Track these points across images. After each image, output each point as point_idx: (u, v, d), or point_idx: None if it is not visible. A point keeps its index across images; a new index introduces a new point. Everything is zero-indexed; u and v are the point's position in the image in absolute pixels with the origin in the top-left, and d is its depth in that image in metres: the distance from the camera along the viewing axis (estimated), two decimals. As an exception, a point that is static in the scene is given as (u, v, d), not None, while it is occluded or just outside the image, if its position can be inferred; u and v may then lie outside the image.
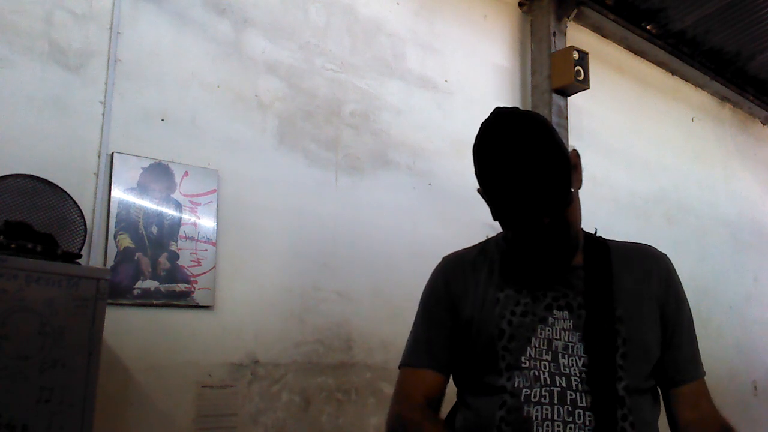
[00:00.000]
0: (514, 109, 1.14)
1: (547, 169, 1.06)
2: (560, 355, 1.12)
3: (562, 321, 1.15)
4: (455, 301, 1.24)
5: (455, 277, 1.26)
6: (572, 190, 1.11)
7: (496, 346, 1.15)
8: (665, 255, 1.27)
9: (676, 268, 1.26)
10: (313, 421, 2.90)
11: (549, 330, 1.14)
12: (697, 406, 1.21)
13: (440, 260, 1.33)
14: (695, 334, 1.25)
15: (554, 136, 1.10)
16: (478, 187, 1.17)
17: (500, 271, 1.23)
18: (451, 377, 1.29)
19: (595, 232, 1.28)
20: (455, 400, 1.29)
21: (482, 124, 1.14)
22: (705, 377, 1.25)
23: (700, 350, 1.27)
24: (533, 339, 1.14)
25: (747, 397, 5.46)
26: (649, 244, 1.31)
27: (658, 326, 1.19)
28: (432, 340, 1.25)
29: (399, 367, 1.29)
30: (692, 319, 1.25)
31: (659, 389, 1.23)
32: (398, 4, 3.63)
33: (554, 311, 1.16)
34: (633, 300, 1.18)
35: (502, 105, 1.20)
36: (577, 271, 1.20)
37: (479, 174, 1.13)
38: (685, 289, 1.26)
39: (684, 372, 1.22)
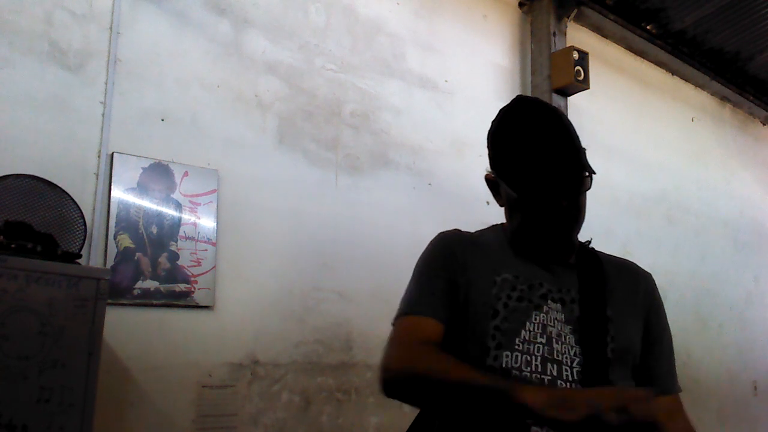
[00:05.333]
0: (536, 98, 1.17)
1: (569, 153, 1.12)
2: (554, 340, 1.14)
3: (555, 312, 1.17)
4: (456, 270, 1.20)
5: (455, 250, 1.23)
6: (587, 176, 1.15)
7: (488, 325, 1.14)
8: (650, 274, 1.32)
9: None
10: (313, 421, 2.90)
11: (543, 317, 1.16)
12: (672, 418, 1.22)
13: (437, 235, 1.29)
14: (673, 353, 1.29)
15: (573, 127, 1.17)
16: (488, 172, 1.21)
17: (498, 256, 1.23)
18: None
19: (589, 242, 1.31)
20: None
21: (503, 109, 1.19)
22: (681, 394, 1.27)
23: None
24: (527, 323, 1.15)
25: (747, 397, 5.46)
26: (634, 261, 1.35)
27: (640, 335, 1.23)
28: (434, 293, 1.19)
29: (395, 319, 1.21)
30: (671, 338, 1.29)
31: None
32: (398, 4, 3.63)
33: (548, 302, 1.17)
34: (621, 304, 1.21)
35: (502, 105, 1.22)
36: (569, 270, 1.22)
37: (500, 156, 1.17)
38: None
39: (662, 383, 1.24)
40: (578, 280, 1.20)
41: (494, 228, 1.32)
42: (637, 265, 1.33)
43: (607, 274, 1.23)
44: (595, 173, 1.15)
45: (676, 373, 1.28)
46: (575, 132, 1.16)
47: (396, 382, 1.10)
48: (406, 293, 1.25)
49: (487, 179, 1.25)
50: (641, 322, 1.23)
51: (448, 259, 1.22)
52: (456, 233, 1.29)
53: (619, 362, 1.16)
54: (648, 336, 1.23)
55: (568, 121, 1.17)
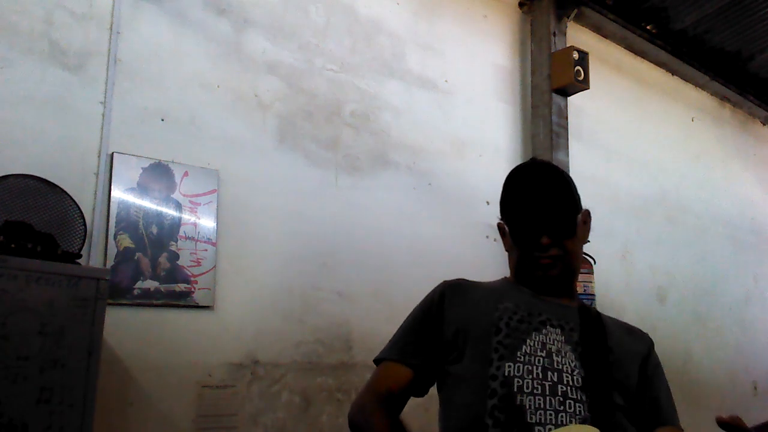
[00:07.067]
0: (548, 161, 1.38)
1: (562, 198, 1.28)
2: (554, 354, 1.20)
3: (554, 334, 1.24)
4: (447, 314, 1.30)
5: (454, 294, 1.34)
6: (576, 224, 1.29)
7: (491, 340, 1.21)
8: (647, 333, 1.40)
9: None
10: (313, 421, 2.90)
11: (543, 337, 1.22)
12: None
13: (441, 282, 1.39)
14: (673, 399, 1.33)
15: (573, 187, 1.33)
16: (500, 219, 1.36)
17: (500, 292, 1.33)
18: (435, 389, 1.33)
19: (591, 304, 1.36)
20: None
21: (517, 165, 1.37)
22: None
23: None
24: (528, 340, 1.21)
25: (747, 397, 5.46)
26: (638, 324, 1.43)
27: (637, 376, 1.27)
28: (409, 341, 1.33)
29: (377, 360, 1.36)
30: (670, 389, 1.33)
31: None
32: (398, 4, 3.63)
33: (548, 326, 1.24)
34: (620, 343, 1.28)
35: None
36: (570, 309, 1.30)
37: (505, 198, 1.32)
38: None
39: (666, 414, 1.29)
40: (578, 314, 1.28)
41: (498, 279, 1.42)
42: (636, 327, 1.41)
43: (607, 325, 1.31)
44: (582, 239, 1.29)
45: (677, 416, 1.31)
46: (572, 192, 1.31)
47: (349, 423, 1.29)
48: (392, 336, 1.38)
49: (498, 226, 1.38)
50: (638, 366, 1.28)
51: (437, 304, 1.33)
52: (457, 280, 1.39)
53: (619, 384, 1.21)
54: (644, 378, 1.28)
55: (570, 182, 1.32)
